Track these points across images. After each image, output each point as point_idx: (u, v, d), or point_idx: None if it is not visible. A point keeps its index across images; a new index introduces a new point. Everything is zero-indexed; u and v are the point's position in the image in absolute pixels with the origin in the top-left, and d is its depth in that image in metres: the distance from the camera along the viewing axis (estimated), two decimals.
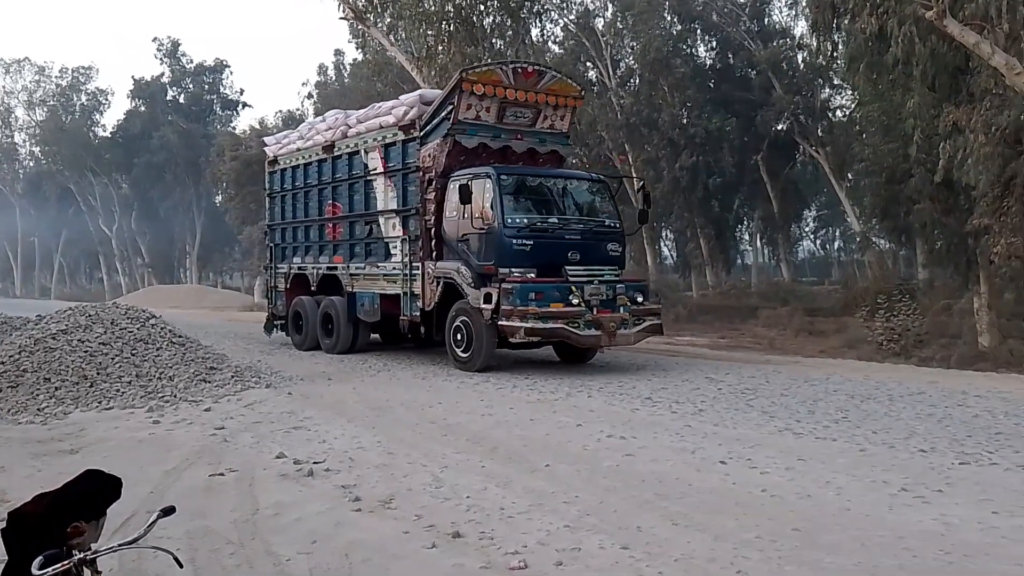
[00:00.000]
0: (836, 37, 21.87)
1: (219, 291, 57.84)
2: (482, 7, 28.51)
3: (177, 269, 69.53)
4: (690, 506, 6.00)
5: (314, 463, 7.38)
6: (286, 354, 17.93)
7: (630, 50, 36.14)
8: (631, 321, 14.02)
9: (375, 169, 16.74)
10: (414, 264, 15.68)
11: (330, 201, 18.11)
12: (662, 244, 42.81)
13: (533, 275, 13.95)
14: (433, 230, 15.28)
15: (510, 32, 29.41)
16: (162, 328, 13.72)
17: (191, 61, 64.27)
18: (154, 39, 71.08)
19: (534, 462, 7.42)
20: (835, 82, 30.61)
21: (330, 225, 18.20)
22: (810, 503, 6.02)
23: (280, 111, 65.17)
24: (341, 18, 28.89)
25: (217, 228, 63.03)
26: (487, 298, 14.00)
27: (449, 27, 27.22)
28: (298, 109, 59.71)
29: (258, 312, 41.00)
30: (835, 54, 22.81)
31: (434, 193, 15.22)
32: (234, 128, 63.30)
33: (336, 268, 17.89)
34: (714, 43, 35.93)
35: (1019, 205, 15.30)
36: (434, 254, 15.28)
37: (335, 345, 17.71)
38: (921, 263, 24.53)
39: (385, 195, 16.51)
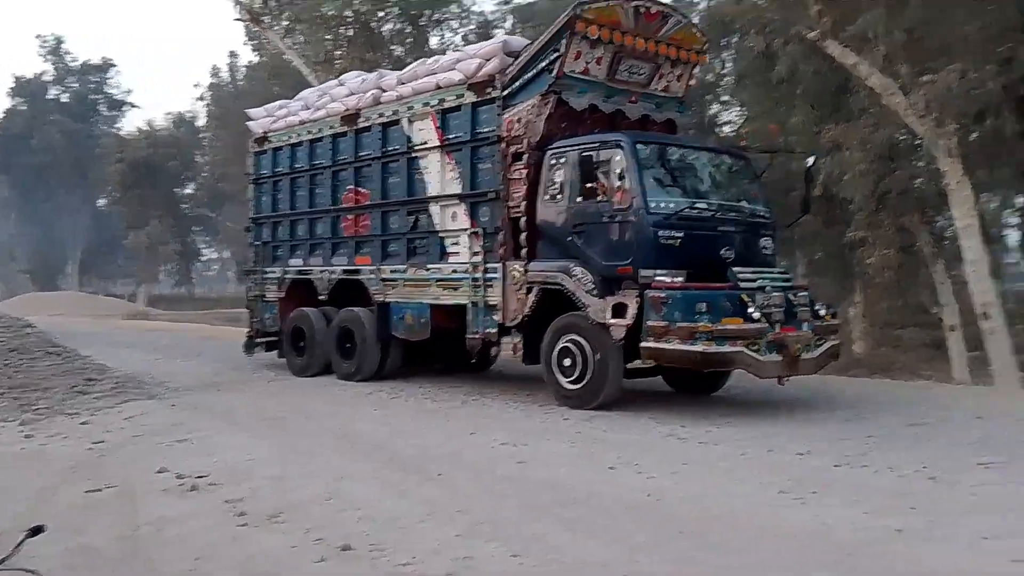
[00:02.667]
0: (725, 55, 24.58)
1: (101, 299, 53.08)
2: (382, 14, 27.39)
3: (58, 275, 64.51)
4: (582, 511, 5.90)
5: (199, 477, 6.90)
6: (175, 363, 16.56)
7: None
8: (814, 342, 10.16)
9: (426, 143, 12.45)
10: (490, 265, 11.47)
11: (351, 186, 13.65)
12: None
13: (682, 280, 9.99)
14: (523, 219, 11.13)
15: (410, 40, 28.33)
16: (38, 337, 13.21)
17: (76, 59, 62.13)
18: (37, 36, 67.73)
19: (429, 471, 7.22)
20: (723, 98, 28.76)
21: (350, 217, 13.74)
22: (696, 506, 6.02)
23: (170, 113, 61.91)
24: (236, 19, 27.58)
25: (102, 233, 60.38)
26: (618, 310, 9.95)
27: (348, 32, 26.30)
28: (189, 112, 57.76)
29: (141, 321, 37.09)
30: (723, 71, 24.99)
31: (525, 170, 11.06)
32: (119, 129, 61.23)
33: (360, 272, 13.47)
34: None
35: (892, 219, 17.02)
36: (524, 251, 11.15)
37: (358, 369, 13.28)
38: (802, 273, 23.66)
39: (442, 175, 12.22)
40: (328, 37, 27.11)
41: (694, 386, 11.44)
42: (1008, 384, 14.45)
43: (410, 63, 14.31)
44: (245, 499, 6.23)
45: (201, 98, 53.53)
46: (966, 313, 18.14)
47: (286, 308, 14.88)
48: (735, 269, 10.07)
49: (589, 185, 10.34)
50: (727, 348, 9.35)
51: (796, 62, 19.32)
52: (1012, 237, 42.30)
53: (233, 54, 55.65)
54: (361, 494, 6.37)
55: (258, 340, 15.60)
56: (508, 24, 36.05)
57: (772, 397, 10.93)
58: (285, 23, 27.76)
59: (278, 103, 16.24)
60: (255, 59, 41.89)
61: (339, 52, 26.96)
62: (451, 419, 9.98)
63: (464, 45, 33.00)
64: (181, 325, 31.50)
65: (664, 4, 11.49)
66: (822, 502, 6.00)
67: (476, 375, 14.08)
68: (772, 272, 10.54)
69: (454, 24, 32.27)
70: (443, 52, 30.06)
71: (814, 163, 11.08)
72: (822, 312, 10.38)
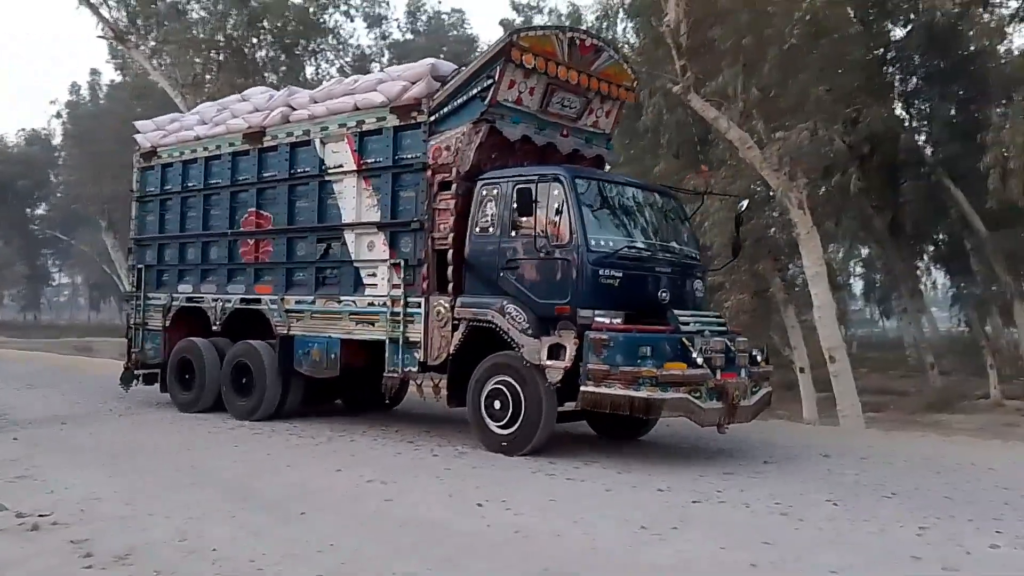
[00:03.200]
0: None
1: None
2: (255, 40, 26.94)
3: None
4: (447, 549, 5.72)
5: (40, 516, 6.41)
6: (19, 394, 15.50)
7: None
8: (750, 389, 9.71)
9: (341, 166, 11.49)
10: (411, 299, 10.60)
11: (252, 209, 12.53)
12: None
13: (620, 321, 9.42)
14: (450, 252, 10.36)
15: (284, 68, 27.95)
16: None
17: None
18: None
19: (290, 510, 6.87)
20: None
21: (249, 242, 12.61)
22: (560, 542, 5.95)
23: (23, 129, 58.09)
24: (100, 37, 25.97)
25: None
26: (555, 351, 9.28)
27: (219, 56, 25.65)
28: (44, 129, 54.86)
29: None
30: None
31: (453, 201, 10.31)
32: None
33: (260, 301, 12.37)
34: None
35: (747, 265, 18.03)
36: (451, 286, 10.39)
37: (255, 407, 12.11)
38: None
39: (358, 202, 11.28)
40: (198, 60, 26.44)
41: (619, 431, 10.87)
42: (852, 423, 15.28)
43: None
44: (91, 539, 5.85)
45: (58, 115, 50.04)
46: (815, 356, 18.89)
47: (172, 338, 13.56)
48: (675, 312, 9.58)
49: (524, 219, 9.70)
50: (670, 394, 8.76)
51: (661, 113, 20.47)
52: (856, 285, 44.29)
53: (95, 72, 53.83)
54: (216, 535, 6.01)
55: (137, 372, 14.23)
56: (385, 59, 35.90)
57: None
58: (152, 43, 26.76)
59: (170, 116, 15.01)
60: (118, 78, 40.64)
61: (209, 76, 26.23)
62: (316, 456, 9.58)
63: (348, 75, 32.63)
64: (28, 354, 29.37)
65: (598, 38, 11.02)
66: (682, 537, 6.08)
67: (344, 413, 13.17)
68: (708, 316, 10.08)
69: (330, 55, 32.31)
70: (319, 82, 29.44)
71: (745, 207, 10.73)
72: (759, 358, 9.99)
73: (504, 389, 9.66)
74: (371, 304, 11.05)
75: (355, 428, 11.52)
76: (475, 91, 10.29)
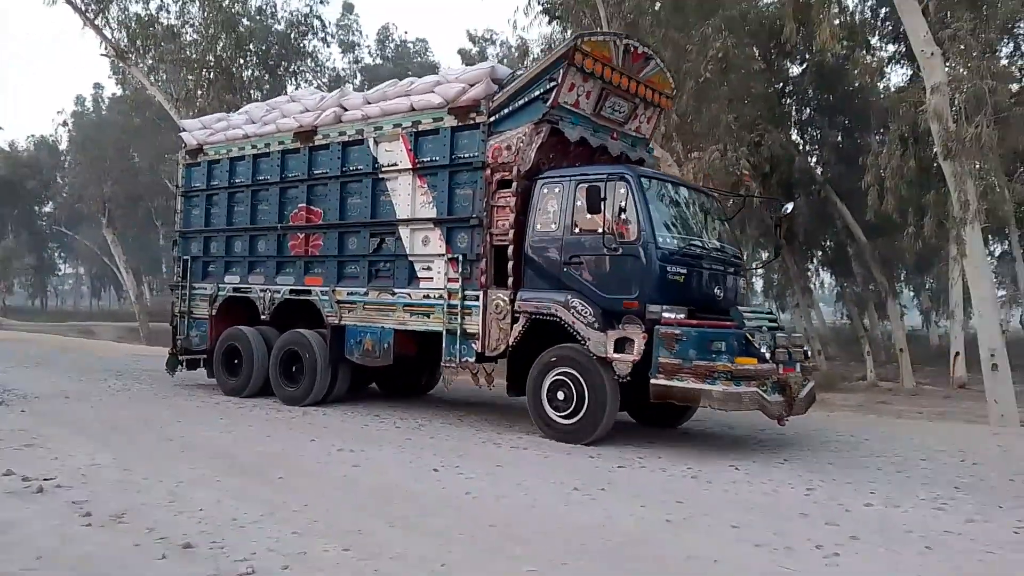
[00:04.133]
0: None
1: None
2: (242, 60, 26.95)
3: None
4: (407, 510, 5.75)
5: (45, 479, 6.23)
6: (26, 372, 15.15)
7: None
8: (803, 382, 9.31)
9: (394, 164, 10.46)
10: (469, 292, 9.80)
11: (302, 204, 11.45)
12: None
13: (684, 316, 8.98)
14: (510, 248, 9.66)
15: (267, 86, 27.72)
16: None
17: None
18: None
19: (268, 475, 6.81)
20: None
21: (299, 236, 11.50)
22: (505, 503, 6.02)
23: (32, 135, 56.71)
24: (103, 55, 25.94)
25: None
26: (621, 345, 8.57)
27: (209, 75, 25.57)
28: (51, 135, 53.68)
29: None
30: None
31: (513, 199, 9.61)
32: None
33: (310, 292, 11.46)
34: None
35: None
36: (510, 280, 9.74)
37: (305, 393, 11.08)
38: None
39: (412, 199, 10.31)
40: (191, 78, 26.12)
41: (660, 420, 10.42)
42: None
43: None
44: (90, 500, 5.79)
45: (64, 124, 49.29)
46: None
47: (218, 326, 12.39)
48: (739, 308, 9.12)
49: (589, 216, 9.20)
50: (743, 388, 8.19)
51: None
52: (757, 283, 44.65)
53: (98, 86, 53.37)
54: (202, 497, 5.96)
55: (182, 358, 13.46)
56: (357, 81, 36.20)
57: None
58: (150, 61, 26.50)
59: (216, 115, 13.96)
60: (119, 92, 39.99)
61: (200, 92, 25.93)
62: (292, 428, 9.36)
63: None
64: (35, 336, 27.95)
65: (648, 47, 10.53)
66: (608, 497, 6.22)
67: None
68: (764, 312, 9.62)
69: (309, 76, 31.76)
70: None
71: (791, 209, 10.33)
72: (808, 353, 9.59)
73: (567, 380, 8.95)
74: (426, 297, 10.20)
75: (328, 406, 11.17)
76: (537, 93, 9.41)
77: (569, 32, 21.42)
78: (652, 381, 8.26)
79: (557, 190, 9.13)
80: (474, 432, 9.28)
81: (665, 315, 8.39)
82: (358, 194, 10.80)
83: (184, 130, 13.24)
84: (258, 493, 6.20)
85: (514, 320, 9.34)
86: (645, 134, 10.76)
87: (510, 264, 9.38)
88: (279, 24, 29.60)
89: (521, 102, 9.43)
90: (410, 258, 10.22)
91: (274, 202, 11.70)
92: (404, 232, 10.25)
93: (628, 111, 10.16)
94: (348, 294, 10.73)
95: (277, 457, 7.62)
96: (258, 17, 28.69)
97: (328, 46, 34.73)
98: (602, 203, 8.56)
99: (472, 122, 9.71)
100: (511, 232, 9.35)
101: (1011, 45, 24.05)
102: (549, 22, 24.23)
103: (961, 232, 13.80)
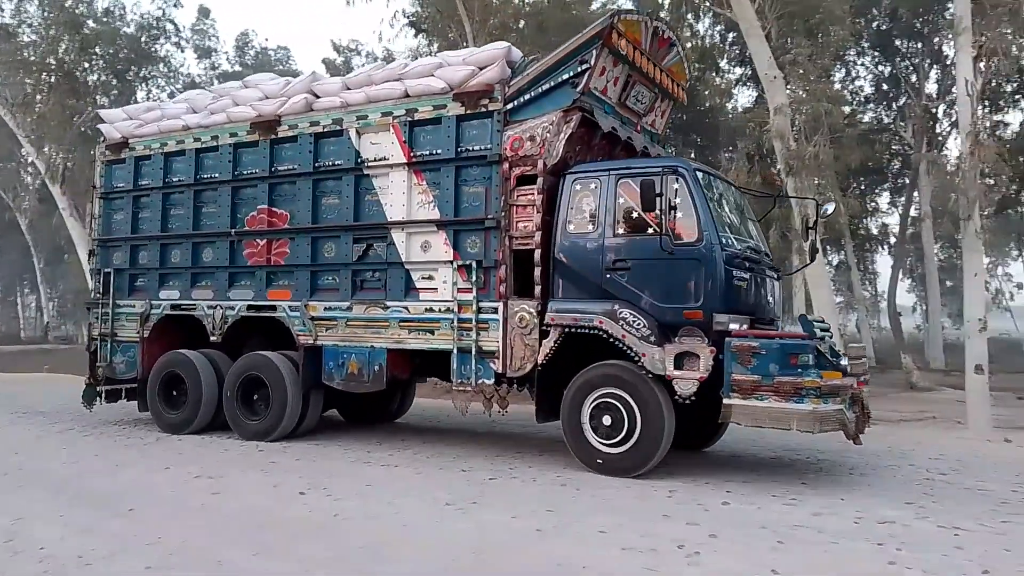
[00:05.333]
0: None
1: None
2: (87, 64, 23.57)
3: None
4: (272, 536, 5.06)
5: None
6: None
7: None
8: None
9: (383, 158, 8.20)
10: (485, 304, 7.71)
11: (262, 206, 8.90)
12: None
13: (747, 326, 7.19)
14: (536, 252, 7.54)
15: (115, 92, 24.66)
16: None
17: None
18: None
19: (118, 507, 5.79)
20: None
21: (259, 242, 8.95)
22: (375, 523, 5.37)
23: None
24: None
25: None
26: (681, 361, 6.80)
27: (50, 78, 22.14)
28: None
29: None
30: None
31: (538, 196, 7.59)
32: None
33: (275, 308, 8.89)
34: None
35: None
36: (537, 289, 7.60)
37: (273, 426, 8.56)
38: None
39: (408, 198, 8.04)
40: (29, 81, 22.46)
41: (686, 443, 8.57)
42: None
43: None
44: None
45: None
46: None
47: (152, 350, 9.64)
48: (809, 317, 7.41)
49: (636, 215, 7.26)
50: (831, 406, 6.57)
51: None
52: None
53: None
54: (43, 534, 5.13)
55: (100, 388, 10.44)
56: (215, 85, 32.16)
57: (439, 424, 10.37)
58: None
59: (146, 104, 11.06)
60: None
61: (40, 96, 22.47)
62: (144, 455, 7.98)
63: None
64: None
65: (673, 31, 8.72)
66: (480, 509, 5.71)
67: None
68: (819, 321, 8.00)
69: (161, 82, 28.55)
70: None
71: (832, 211, 8.76)
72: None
73: (616, 403, 7.08)
74: (429, 310, 7.94)
75: (295, 436, 9.11)
76: (566, 77, 7.42)
77: (436, 46, 19.77)
78: (725, 401, 6.57)
79: (593, 186, 7.16)
80: (343, 452, 8.06)
81: (732, 326, 6.58)
82: (335, 193, 8.44)
83: (104, 121, 10.19)
84: (107, 527, 5.34)
85: (543, 335, 7.12)
86: (658, 129, 8.96)
87: (536, 271, 7.22)
88: (128, 27, 25.81)
89: (545, 87, 7.41)
90: (406, 266, 7.98)
91: (224, 204, 9.09)
92: (398, 236, 7.97)
93: (649, 102, 8.38)
94: (325, 309, 8.33)
95: (128, 487, 6.55)
96: (105, 19, 24.89)
97: (182, 51, 31.32)
98: (658, 199, 6.57)
99: (484, 110, 7.61)
100: (537, 235, 7.22)
101: (843, 71, 24.46)
102: (416, 35, 22.42)
103: (803, 244, 12.96)
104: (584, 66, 7.25)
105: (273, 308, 8.66)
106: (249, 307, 8.82)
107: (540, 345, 7.28)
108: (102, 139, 10.17)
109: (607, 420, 6.88)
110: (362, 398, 9.35)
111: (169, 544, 4.91)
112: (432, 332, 7.75)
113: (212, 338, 8.98)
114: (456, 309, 7.58)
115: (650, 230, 6.89)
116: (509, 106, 7.52)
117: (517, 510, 5.60)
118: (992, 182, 11.71)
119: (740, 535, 4.93)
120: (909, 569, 4.31)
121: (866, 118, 24.38)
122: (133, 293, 9.78)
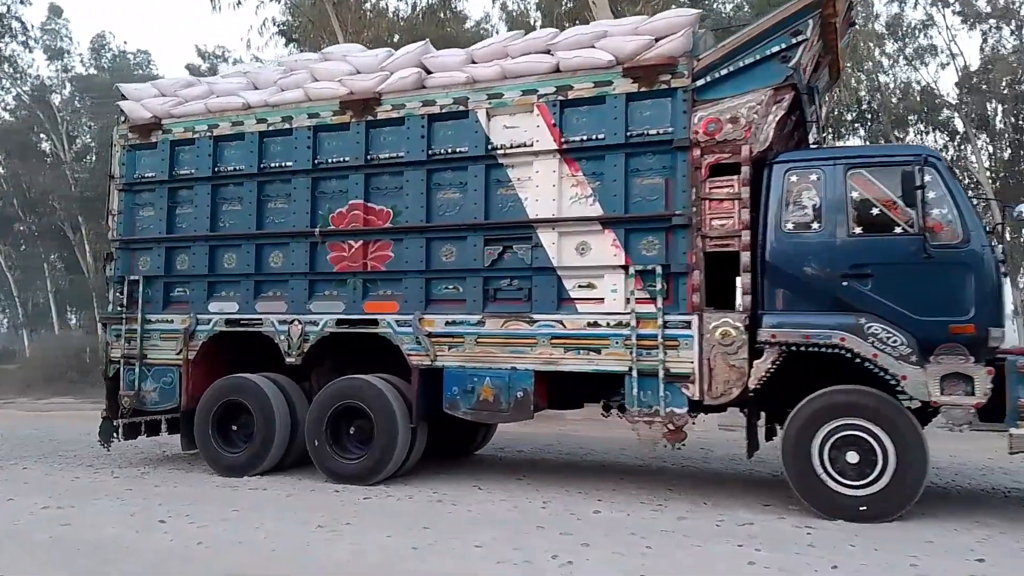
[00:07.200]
0: None
1: None
2: None
3: None
4: (128, 567, 4.16)
5: None
6: None
7: (88, 128, 27.41)
8: None
9: (524, 145, 5.98)
10: (672, 318, 5.54)
11: (355, 200, 6.45)
12: None
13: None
14: (746, 255, 5.45)
15: None
16: None
17: None
18: None
19: None
20: None
21: (351, 244, 6.45)
22: (242, 549, 4.43)
23: None
24: None
25: None
26: (949, 384, 4.93)
27: None
28: None
29: None
30: None
31: (742, 189, 5.53)
32: None
33: (376, 323, 6.35)
34: None
35: None
36: (743, 299, 5.43)
37: (378, 466, 6.10)
38: None
39: (559, 191, 5.86)
40: None
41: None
42: None
43: None
44: None
45: None
46: None
47: (198, 375, 6.92)
48: None
49: (876, 212, 5.23)
50: None
51: None
52: None
53: None
54: None
55: (118, 422, 7.27)
56: (67, 91, 28.44)
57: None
58: None
59: (181, 78, 8.14)
60: None
61: None
62: None
63: (26, 104, 25.02)
64: None
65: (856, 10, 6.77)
66: (355, 531, 4.79)
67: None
68: None
69: (6, 83, 25.15)
70: None
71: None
72: None
73: (866, 438, 5.04)
74: (593, 325, 5.77)
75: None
76: (774, 50, 5.46)
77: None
78: (1013, 431, 4.69)
79: (815, 177, 5.14)
80: (208, 476, 6.67)
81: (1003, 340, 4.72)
82: (456, 186, 6.04)
83: (125, 98, 7.12)
84: None
85: (754, 354, 4.89)
86: (822, 120, 6.99)
87: (742, 278, 5.02)
88: None
89: (747, 61, 5.42)
90: (558, 272, 5.72)
91: (300, 198, 6.47)
92: (546, 236, 5.66)
93: (826, 87, 6.31)
94: (447, 324, 5.90)
95: None
96: None
97: (31, 51, 26.64)
98: (919, 193, 4.54)
99: (664, 86, 5.31)
100: (744, 234, 5.09)
101: None
102: (286, 44, 19.99)
103: None
104: (800, 38, 5.15)
105: (373, 323, 6.07)
106: (339, 322, 6.09)
107: (750, 366, 4.96)
108: (122, 119, 7.10)
109: (850, 457, 4.70)
110: (447, 428, 6.71)
111: None
112: (598, 351, 5.49)
113: (288, 360, 6.30)
114: (634, 323, 5.26)
115: (897, 229, 4.76)
116: (699, 83, 5.24)
117: (392, 529, 4.81)
118: None
119: (611, 542, 4.47)
120: (767, 568, 3.99)
121: None
122: (170, 305, 6.93)
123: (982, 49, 20.08)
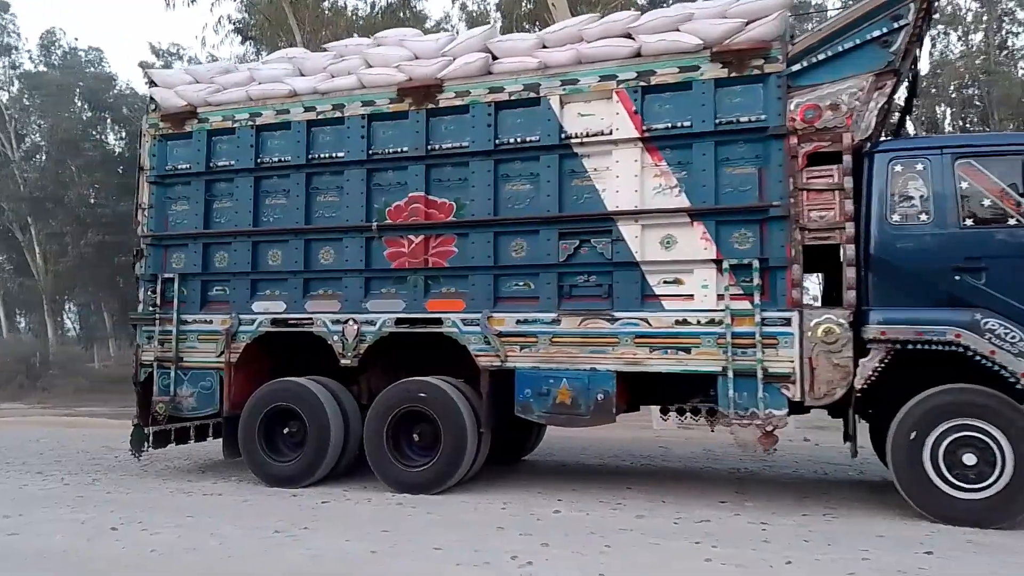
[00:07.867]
0: None
1: None
2: None
3: None
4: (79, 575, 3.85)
5: None
6: None
7: (37, 127, 26.11)
8: None
9: (602, 133, 5.38)
10: (770, 314, 4.94)
11: (415, 193, 5.77)
12: (65, 316, 29.13)
13: None
14: (850, 248, 4.90)
15: None
16: None
17: None
18: None
19: None
20: None
21: (411, 239, 5.77)
22: (196, 556, 4.08)
23: None
24: None
25: None
26: None
27: None
28: None
29: None
30: None
31: (845, 179, 4.94)
32: None
33: (440, 322, 5.63)
34: (124, 133, 24.24)
35: None
36: (848, 294, 4.84)
37: (446, 472, 5.45)
38: None
39: (641, 182, 5.27)
40: None
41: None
42: None
43: None
44: None
45: None
46: None
47: (241, 379, 6.13)
48: None
49: (988, 203, 4.72)
50: None
51: None
52: None
53: None
54: None
55: (149, 430, 6.40)
56: (15, 89, 26.93)
57: None
58: None
59: (218, 64, 7.32)
60: None
61: None
62: None
63: None
64: None
65: None
66: (312, 535, 4.47)
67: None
68: None
69: None
70: None
71: None
72: None
73: (985, 441, 4.51)
74: (681, 323, 5.15)
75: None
76: (876, 34, 4.95)
77: (265, 53, 16.43)
78: None
79: (921, 167, 4.64)
80: (161, 482, 6.26)
81: None
82: (526, 177, 5.38)
83: (155, 84, 6.28)
84: None
85: (859, 352, 4.37)
86: (894, 111, 6.50)
87: (848, 272, 4.45)
88: None
89: (846, 46, 4.80)
90: (642, 267, 5.14)
91: (354, 190, 5.76)
92: (628, 230, 5.05)
93: (912, 76, 5.86)
94: (518, 323, 5.22)
95: None
96: None
97: None
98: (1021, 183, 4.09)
99: (757, 72, 4.73)
100: (848, 226, 4.55)
101: None
102: (243, 42, 19.01)
103: None
104: (901, 22, 4.61)
105: (437, 322, 5.37)
106: (398, 321, 5.33)
107: (855, 365, 4.38)
108: (152, 107, 6.26)
109: (965, 459, 4.14)
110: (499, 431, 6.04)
111: None
112: (688, 350, 4.86)
113: (343, 362, 5.59)
114: (729, 320, 4.64)
115: (1011, 220, 4.23)
116: (794, 68, 4.65)
117: (351, 533, 4.53)
118: None
119: (570, 542, 4.30)
120: (724, 565, 3.87)
121: None
122: (208, 305, 6.12)
123: (931, 54, 20.16)
